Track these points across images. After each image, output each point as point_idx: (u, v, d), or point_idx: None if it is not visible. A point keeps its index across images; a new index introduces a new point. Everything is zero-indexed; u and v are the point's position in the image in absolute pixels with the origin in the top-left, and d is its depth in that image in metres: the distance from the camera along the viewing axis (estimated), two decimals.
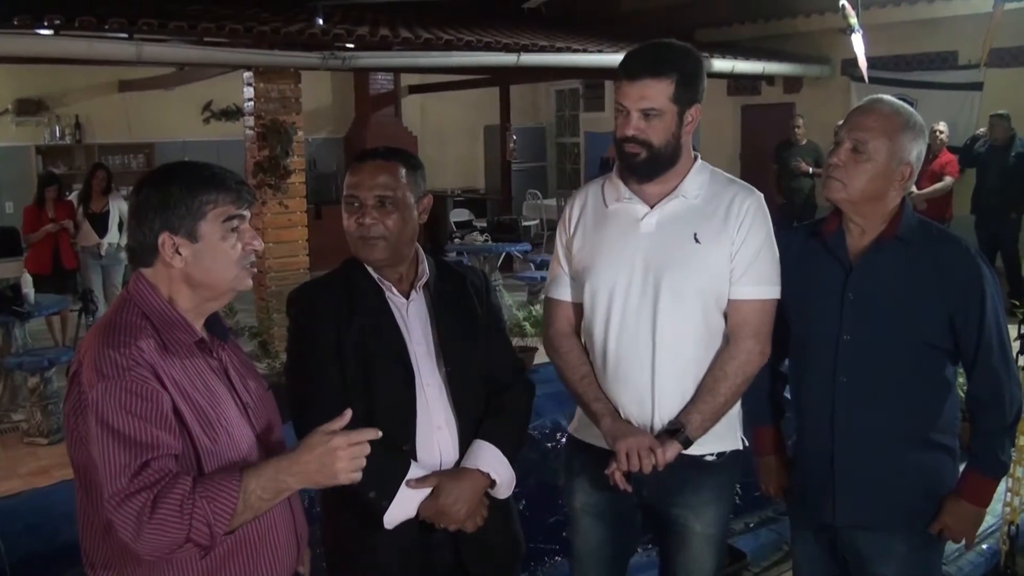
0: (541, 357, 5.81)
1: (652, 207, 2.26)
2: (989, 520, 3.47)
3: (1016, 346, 3.47)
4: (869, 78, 8.49)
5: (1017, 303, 3.89)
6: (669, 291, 2.21)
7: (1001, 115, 8.49)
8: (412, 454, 2.16)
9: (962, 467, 2.29)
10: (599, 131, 14.01)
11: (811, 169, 9.70)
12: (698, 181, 2.28)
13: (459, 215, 13.31)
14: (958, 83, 10.02)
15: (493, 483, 2.21)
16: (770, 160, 10.45)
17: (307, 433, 2.05)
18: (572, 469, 2.47)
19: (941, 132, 8.81)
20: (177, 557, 1.64)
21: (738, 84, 12.27)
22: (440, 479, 2.14)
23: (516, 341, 6.12)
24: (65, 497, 2.23)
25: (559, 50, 9.22)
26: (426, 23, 9.22)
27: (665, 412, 2.24)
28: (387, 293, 2.23)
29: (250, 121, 7.73)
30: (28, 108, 11.15)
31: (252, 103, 7.63)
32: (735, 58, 10.59)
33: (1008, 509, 3.52)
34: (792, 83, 11.82)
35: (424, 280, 2.27)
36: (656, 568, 2.53)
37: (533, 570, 4.20)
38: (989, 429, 2.23)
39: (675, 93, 2.17)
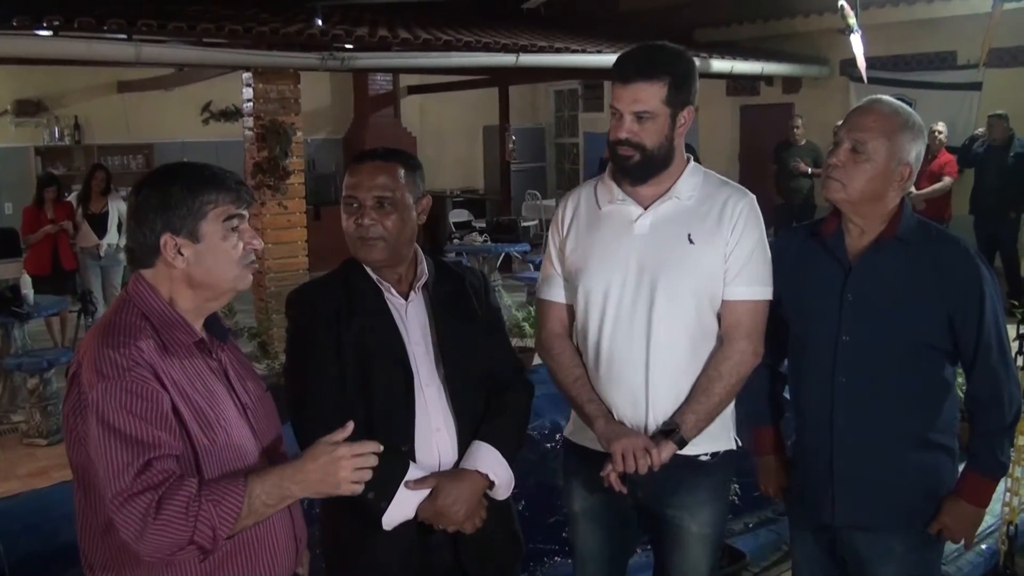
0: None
1: (646, 208, 2.27)
2: (988, 520, 3.47)
3: (1015, 346, 3.48)
4: (868, 78, 8.49)
5: (1016, 303, 3.89)
6: (664, 292, 2.22)
7: (999, 115, 8.50)
8: (411, 455, 2.16)
9: (961, 467, 2.29)
10: (598, 131, 14.00)
11: (810, 169, 9.70)
12: (691, 183, 2.29)
13: (458, 216, 13.32)
14: (957, 83, 10.02)
15: (492, 484, 2.20)
16: (769, 160, 10.45)
17: (306, 434, 2.06)
18: (569, 472, 2.48)
19: (940, 132, 8.81)
20: (177, 559, 1.64)
21: (737, 84, 12.27)
22: (439, 480, 2.14)
23: (515, 341, 6.12)
24: (64, 498, 2.23)
25: (558, 50, 9.22)
26: (425, 24, 9.22)
27: (659, 413, 2.24)
28: (386, 294, 2.23)
29: (249, 122, 7.73)
30: (27, 109, 11.16)
31: (251, 104, 7.63)
32: (734, 58, 10.60)
33: (1007, 509, 3.53)
34: (791, 83, 11.82)
35: (423, 281, 2.26)
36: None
37: (533, 570, 4.20)
38: (988, 429, 2.23)
39: (668, 96, 2.18)
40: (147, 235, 1.73)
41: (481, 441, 2.21)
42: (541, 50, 9.08)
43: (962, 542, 2.32)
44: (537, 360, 6.06)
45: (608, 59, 9.24)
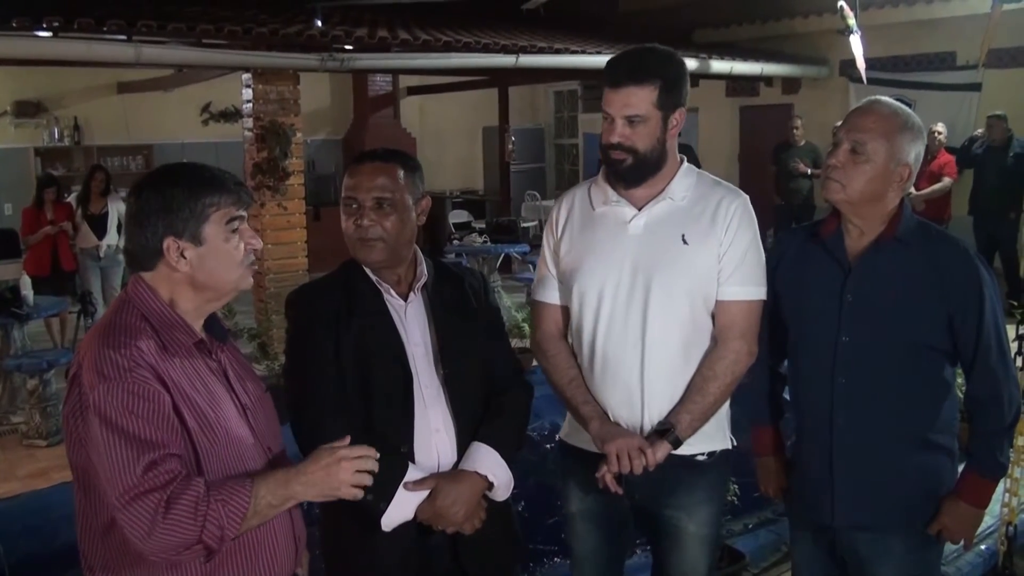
0: None
1: (639, 209, 2.28)
2: (987, 521, 3.47)
3: (1014, 347, 3.48)
4: (867, 79, 8.49)
5: (1015, 304, 3.88)
6: (658, 292, 2.22)
7: (998, 116, 8.50)
8: (410, 456, 2.16)
9: (961, 468, 2.29)
10: (598, 132, 13.70)
11: (810, 170, 9.71)
12: (685, 183, 2.29)
13: (458, 216, 13.33)
14: (956, 84, 10.02)
15: (491, 485, 2.20)
16: (769, 161, 10.46)
17: (305, 435, 2.06)
18: (565, 474, 2.48)
19: (939, 133, 8.81)
20: (183, 559, 1.64)
21: (736, 85, 12.27)
22: (438, 481, 2.14)
23: (515, 342, 6.10)
24: (64, 499, 2.23)
25: (557, 51, 9.22)
26: (424, 24, 9.22)
27: (655, 413, 2.25)
28: (385, 295, 2.23)
29: (249, 123, 7.73)
30: (27, 110, 11.16)
31: (251, 105, 7.63)
32: (733, 59, 10.60)
33: (1006, 510, 3.53)
34: (790, 84, 11.83)
35: (422, 282, 2.27)
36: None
37: (532, 571, 4.20)
38: (988, 430, 2.23)
39: (658, 99, 2.19)
40: (149, 238, 1.73)
41: (480, 442, 2.21)
42: (541, 51, 9.08)
43: (961, 543, 2.32)
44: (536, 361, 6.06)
45: (607, 60, 9.24)
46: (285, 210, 7.76)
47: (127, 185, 8.62)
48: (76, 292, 7.99)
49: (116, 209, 7.96)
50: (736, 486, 3.55)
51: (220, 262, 1.76)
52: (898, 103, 2.23)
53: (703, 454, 2.31)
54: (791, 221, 9.33)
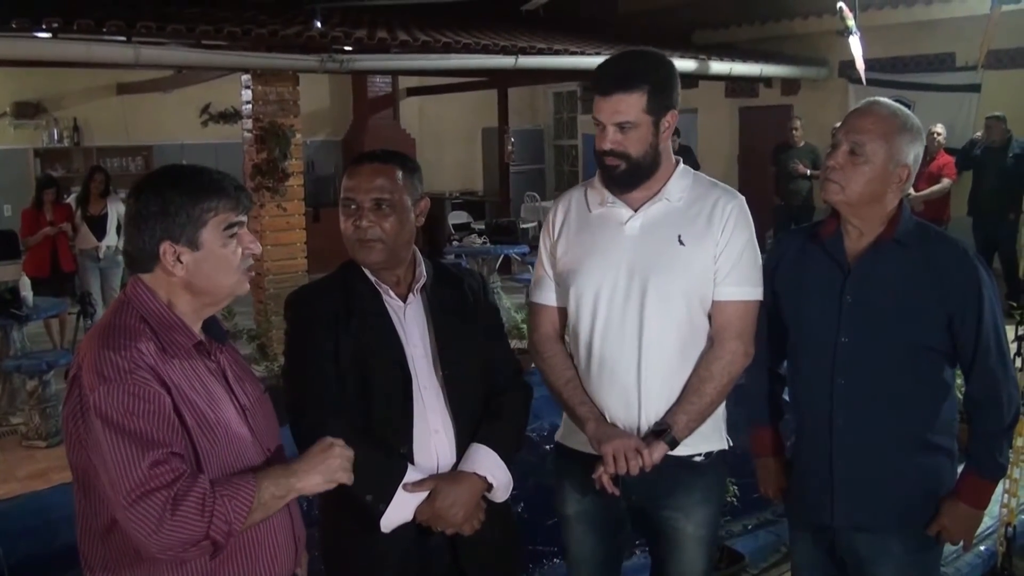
0: None
1: (636, 211, 2.28)
2: (987, 522, 3.47)
3: (1013, 348, 3.49)
4: (867, 80, 8.50)
5: (1014, 304, 3.89)
6: (655, 293, 2.22)
7: (997, 117, 8.50)
8: (409, 457, 2.16)
9: (960, 469, 2.29)
10: None
11: (809, 171, 9.72)
12: (681, 184, 2.30)
13: (457, 217, 13.33)
14: (956, 85, 10.03)
15: (490, 486, 2.20)
16: (768, 162, 10.47)
17: (304, 435, 2.07)
18: (561, 476, 2.48)
19: (939, 134, 8.82)
20: (189, 556, 1.64)
21: (736, 86, 12.28)
22: (437, 483, 2.14)
23: (514, 343, 6.11)
24: (63, 500, 2.23)
25: (557, 52, 9.22)
26: (424, 26, 9.23)
27: (651, 414, 2.25)
28: (384, 296, 2.23)
29: (248, 124, 7.73)
30: (26, 111, 11.17)
31: (250, 106, 7.64)
32: (733, 60, 10.61)
33: (1005, 511, 3.53)
34: (790, 85, 11.84)
35: (421, 283, 2.27)
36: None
37: (531, 572, 4.20)
38: (987, 431, 2.23)
39: (648, 104, 2.19)
40: (146, 242, 1.73)
41: (479, 443, 2.21)
42: (540, 52, 9.08)
43: (961, 543, 2.32)
44: None
45: None
46: (284, 211, 7.76)
47: (127, 186, 8.63)
48: (75, 293, 7.99)
49: (115, 210, 7.96)
50: (735, 487, 3.55)
51: (217, 267, 1.76)
52: (897, 104, 2.23)
53: (700, 455, 2.31)
54: (790, 222, 9.34)
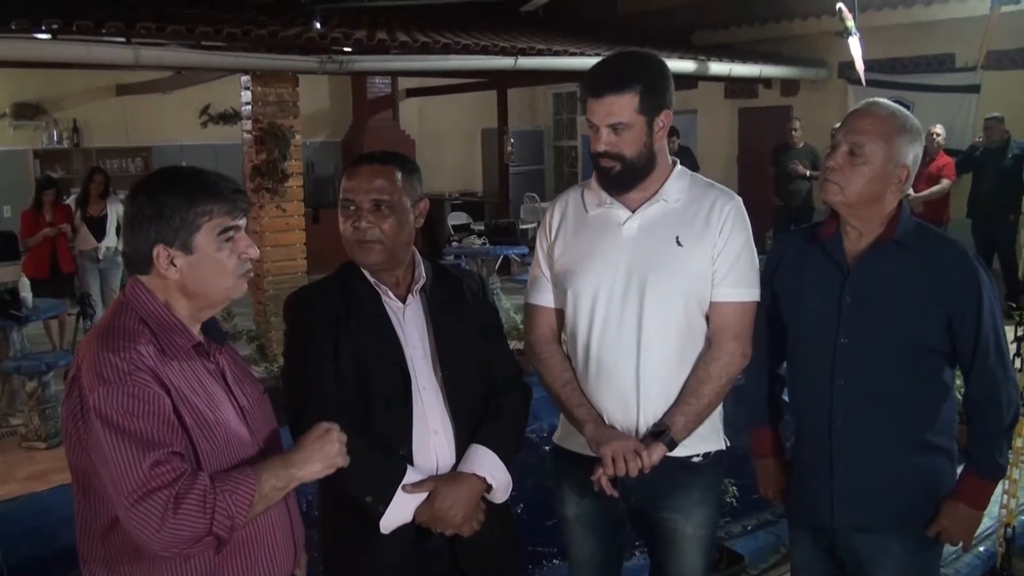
0: None
1: (633, 211, 2.28)
2: (986, 522, 3.47)
3: (1013, 348, 3.49)
4: (866, 81, 8.51)
5: (1014, 305, 3.89)
6: (652, 294, 2.22)
7: (996, 117, 8.50)
8: (408, 458, 2.16)
9: (960, 469, 2.29)
10: None
11: (808, 172, 9.72)
12: (678, 186, 2.30)
13: (457, 218, 13.33)
14: (955, 86, 10.03)
15: (490, 487, 2.20)
16: (768, 163, 10.47)
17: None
18: (559, 478, 2.48)
19: (938, 135, 8.82)
20: (193, 552, 1.64)
21: (735, 87, 12.29)
22: (437, 484, 2.14)
23: (513, 344, 6.11)
24: (63, 501, 2.23)
25: (557, 53, 9.22)
26: (423, 27, 9.23)
27: (650, 415, 2.25)
28: (384, 297, 2.23)
29: (248, 125, 7.73)
30: (26, 112, 11.17)
31: (250, 107, 7.64)
32: (732, 61, 10.61)
33: (1004, 511, 3.53)
34: (789, 86, 11.84)
35: (421, 284, 2.27)
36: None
37: (531, 573, 4.20)
38: (986, 432, 2.24)
39: (641, 104, 2.19)
40: (141, 244, 1.73)
41: (479, 444, 2.21)
42: (540, 53, 9.08)
43: (960, 544, 2.32)
44: None
45: None
46: (284, 212, 7.76)
47: (126, 187, 8.63)
48: (75, 294, 7.99)
49: (115, 211, 7.95)
50: (735, 488, 3.55)
51: (211, 271, 1.76)
52: (896, 105, 2.23)
53: (698, 455, 2.31)
54: (790, 223, 9.34)
